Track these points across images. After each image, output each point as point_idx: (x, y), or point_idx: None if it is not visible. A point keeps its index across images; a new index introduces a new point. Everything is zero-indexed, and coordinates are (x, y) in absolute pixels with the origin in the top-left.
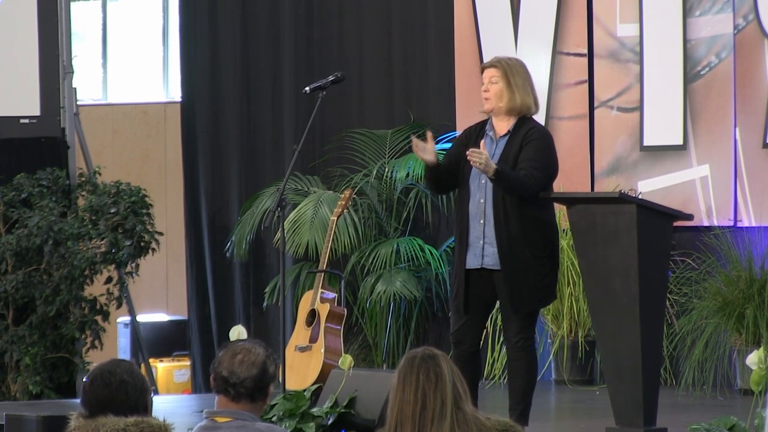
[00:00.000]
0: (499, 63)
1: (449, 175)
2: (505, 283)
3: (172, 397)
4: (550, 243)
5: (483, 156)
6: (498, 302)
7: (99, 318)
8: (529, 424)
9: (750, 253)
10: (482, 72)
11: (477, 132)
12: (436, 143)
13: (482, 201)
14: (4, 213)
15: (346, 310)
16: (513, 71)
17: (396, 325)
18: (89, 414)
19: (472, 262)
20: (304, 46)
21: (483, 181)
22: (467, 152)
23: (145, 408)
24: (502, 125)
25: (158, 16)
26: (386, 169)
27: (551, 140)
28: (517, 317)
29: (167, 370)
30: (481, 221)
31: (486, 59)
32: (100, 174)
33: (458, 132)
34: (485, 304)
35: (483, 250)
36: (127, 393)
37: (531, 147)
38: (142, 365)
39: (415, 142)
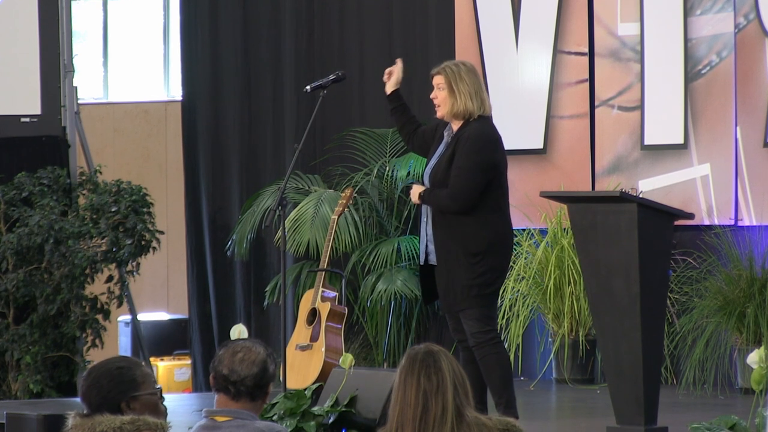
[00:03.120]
0: (443, 69)
1: (418, 138)
2: (439, 281)
3: (173, 395)
4: (488, 241)
5: (412, 197)
6: None
7: (100, 317)
8: (518, 416)
9: (751, 252)
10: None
11: (440, 130)
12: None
13: None
14: (4, 212)
15: (346, 308)
16: (457, 77)
17: (397, 324)
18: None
19: (422, 257)
20: (305, 45)
21: (427, 182)
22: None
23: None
24: (454, 129)
25: (159, 15)
26: (387, 168)
27: (484, 140)
28: (469, 315)
29: (168, 369)
30: (425, 219)
31: (487, 59)
32: (100, 173)
33: None
34: None
35: (426, 248)
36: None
37: (459, 155)
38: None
39: (388, 71)
